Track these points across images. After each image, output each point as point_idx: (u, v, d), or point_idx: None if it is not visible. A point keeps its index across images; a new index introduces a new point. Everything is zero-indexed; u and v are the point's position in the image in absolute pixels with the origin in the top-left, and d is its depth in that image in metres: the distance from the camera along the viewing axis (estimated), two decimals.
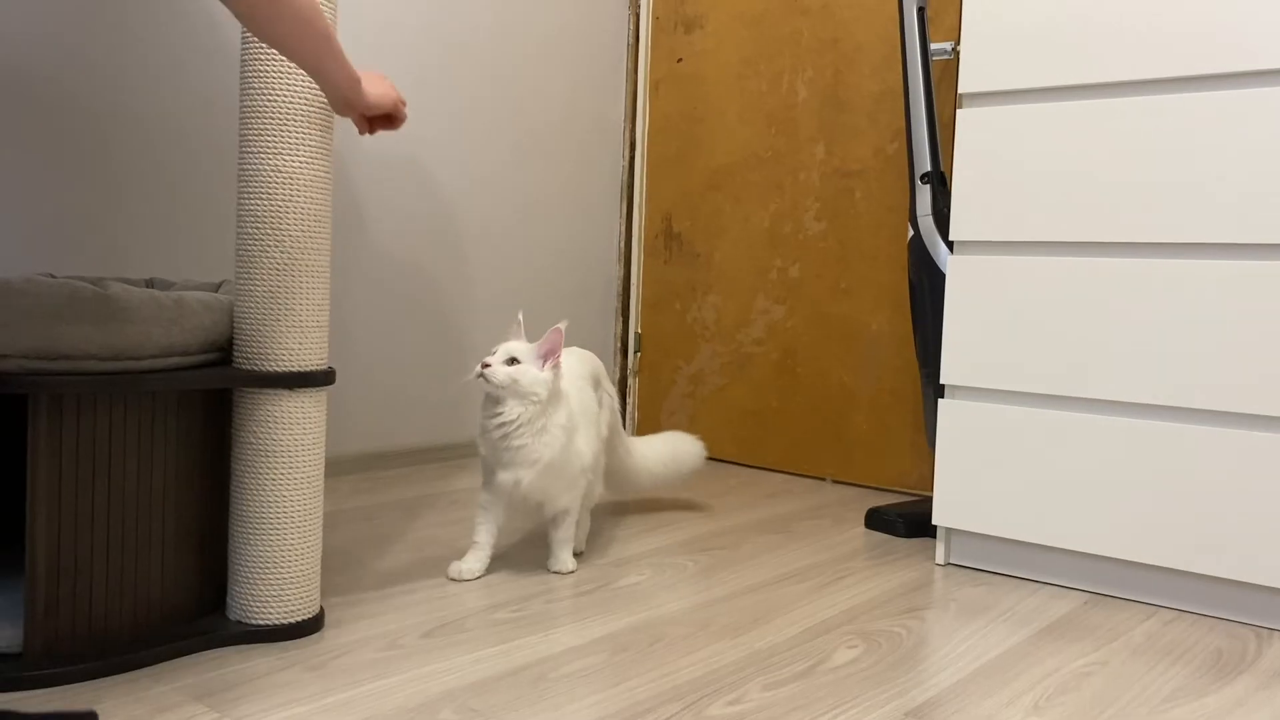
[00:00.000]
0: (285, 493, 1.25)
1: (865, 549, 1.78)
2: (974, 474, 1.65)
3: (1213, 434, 1.45)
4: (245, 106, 1.23)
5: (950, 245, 1.69)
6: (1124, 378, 1.51)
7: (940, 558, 1.71)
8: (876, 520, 1.91)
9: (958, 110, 1.65)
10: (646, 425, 2.71)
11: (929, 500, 2.01)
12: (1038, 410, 1.59)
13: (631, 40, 2.74)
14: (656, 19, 2.68)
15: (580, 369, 1.64)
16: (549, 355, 1.47)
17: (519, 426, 1.45)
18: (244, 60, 1.23)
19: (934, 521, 1.69)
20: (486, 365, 1.45)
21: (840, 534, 1.87)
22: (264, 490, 1.24)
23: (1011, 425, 1.61)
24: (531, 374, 1.45)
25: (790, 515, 2.01)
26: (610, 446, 1.72)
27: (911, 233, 1.87)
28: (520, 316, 1.56)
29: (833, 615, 1.43)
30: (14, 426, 1.45)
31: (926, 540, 1.85)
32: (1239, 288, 1.42)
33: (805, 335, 2.40)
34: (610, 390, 1.76)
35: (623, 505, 2.01)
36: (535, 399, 1.45)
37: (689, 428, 2.61)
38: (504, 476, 1.47)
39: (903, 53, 1.90)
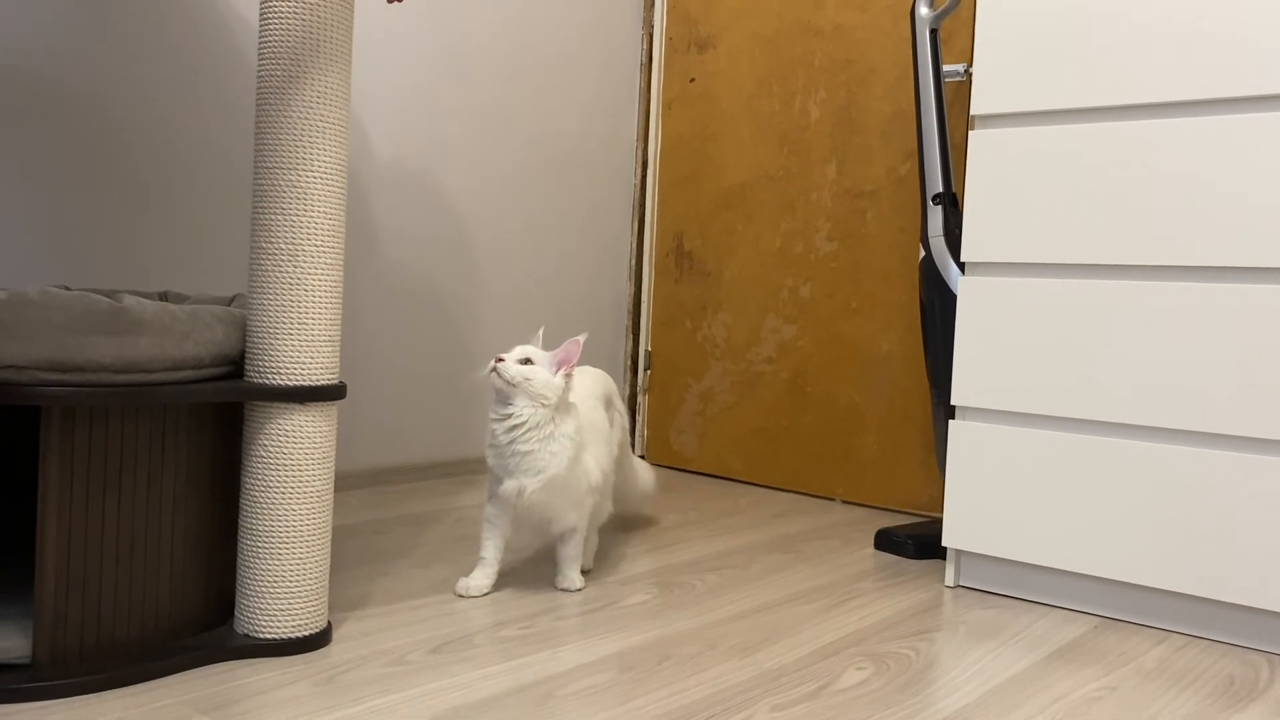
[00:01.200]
0: (294, 506, 1.25)
1: (874, 570, 1.77)
2: (984, 496, 1.64)
3: (1226, 458, 1.44)
4: (261, 121, 1.24)
5: (962, 266, 1.69)
6: (1136, 401, 1.51)
7: (950, 580, 1.70)
8: (886, 541, 1.91)
9: (970, 132, 1.66)
10: (656, 443, 2.71)
11: (939, 522, 2.00)
12: (1049, 432, 1.59)
13: (644, 60, 2.75)
14: (670, 39, 2.70)
15: (593, 388, 1.64)
16: (564, 364, 1.48)
17: (527, 430, 1.44)
18: (260, 74, 1.24)
19: (944, 543, 1.68)
20: (500, 360, 1.45)
21: (849, 555, 1.87)
22: (273, 504, 1.24)
23: (1022, 447, 1.61)
24: (544, 376, 1.45)
25: (799, 535, 2.00)
26: (617, 466, 1.72)
27: (923, 253, 1.87)
28: (541, 332, 1.57)
29: (841, 636, 1.42)
30: (26, 437, 1.46)
31: (936, 562, 1.84)
32: (1254, 312, 1.42)
33: (816, 355, 2.40)
34: (621, 409, 1.76)
35: (631, 524, 2.01)
36: (545, 401, 1.45)
37: (698, 446, 2.61)
38: (509, 485, 1.47)
39: (915, 74, 1.90)
